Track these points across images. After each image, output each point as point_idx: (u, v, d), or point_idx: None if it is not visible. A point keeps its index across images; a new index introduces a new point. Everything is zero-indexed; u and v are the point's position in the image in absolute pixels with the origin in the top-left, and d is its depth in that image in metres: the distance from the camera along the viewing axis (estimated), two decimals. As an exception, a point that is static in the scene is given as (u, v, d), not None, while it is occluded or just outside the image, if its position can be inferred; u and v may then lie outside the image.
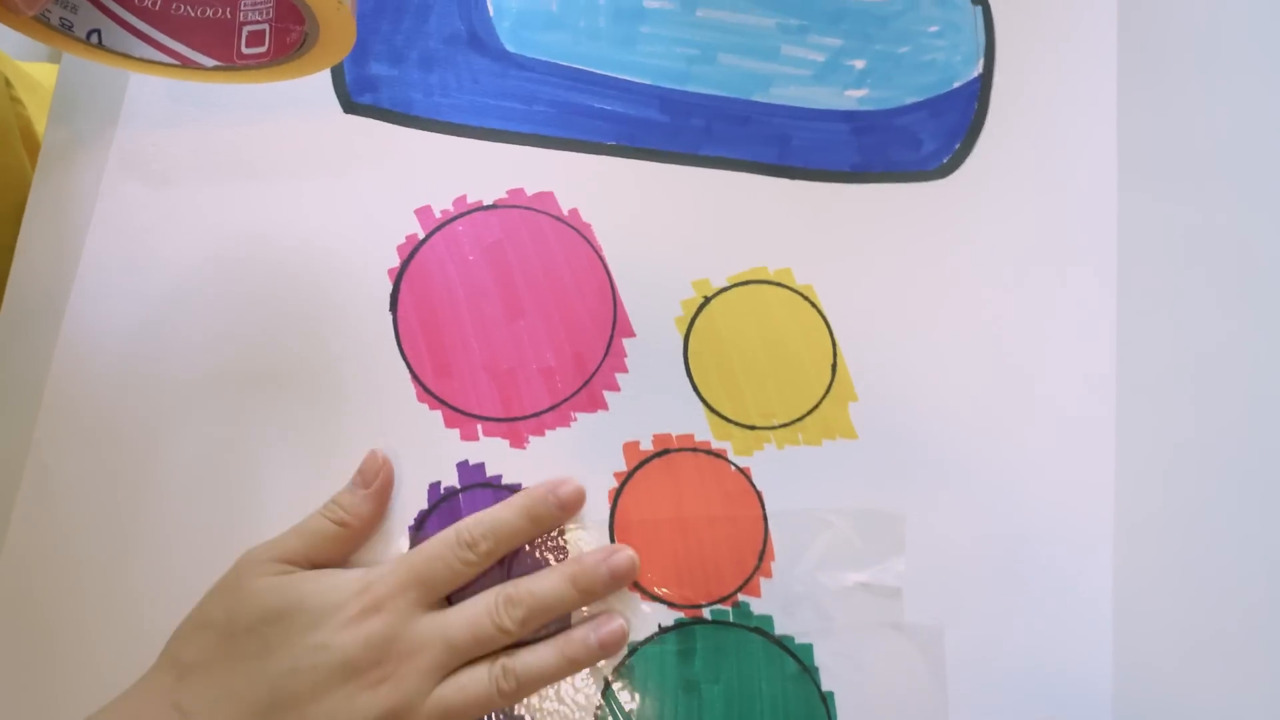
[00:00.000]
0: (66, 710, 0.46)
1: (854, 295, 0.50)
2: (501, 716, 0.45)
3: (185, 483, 0.48)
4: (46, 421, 0.49)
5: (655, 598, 0.47)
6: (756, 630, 0.46)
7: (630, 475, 0.48)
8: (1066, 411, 0.49)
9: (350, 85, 0.53)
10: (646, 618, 0.46)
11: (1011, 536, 0.48)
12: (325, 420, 0.49)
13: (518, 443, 0.48)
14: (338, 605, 0.43)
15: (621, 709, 0.46)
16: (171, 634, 0.45)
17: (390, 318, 0.50)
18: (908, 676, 0.46)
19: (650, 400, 0.49)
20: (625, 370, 0.49)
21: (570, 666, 0.45)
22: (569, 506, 0.47)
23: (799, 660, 0.46)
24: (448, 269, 0.50)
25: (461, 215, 0.51)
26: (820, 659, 0.46)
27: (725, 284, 0.50)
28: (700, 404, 0.49)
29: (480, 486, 0.48)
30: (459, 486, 0.48)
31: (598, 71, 0.53)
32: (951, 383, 0.49)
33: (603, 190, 0.52)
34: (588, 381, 0.49)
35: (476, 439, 0.48)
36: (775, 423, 0.48)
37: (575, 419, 0.49)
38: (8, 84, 0.61)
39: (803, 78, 0.53)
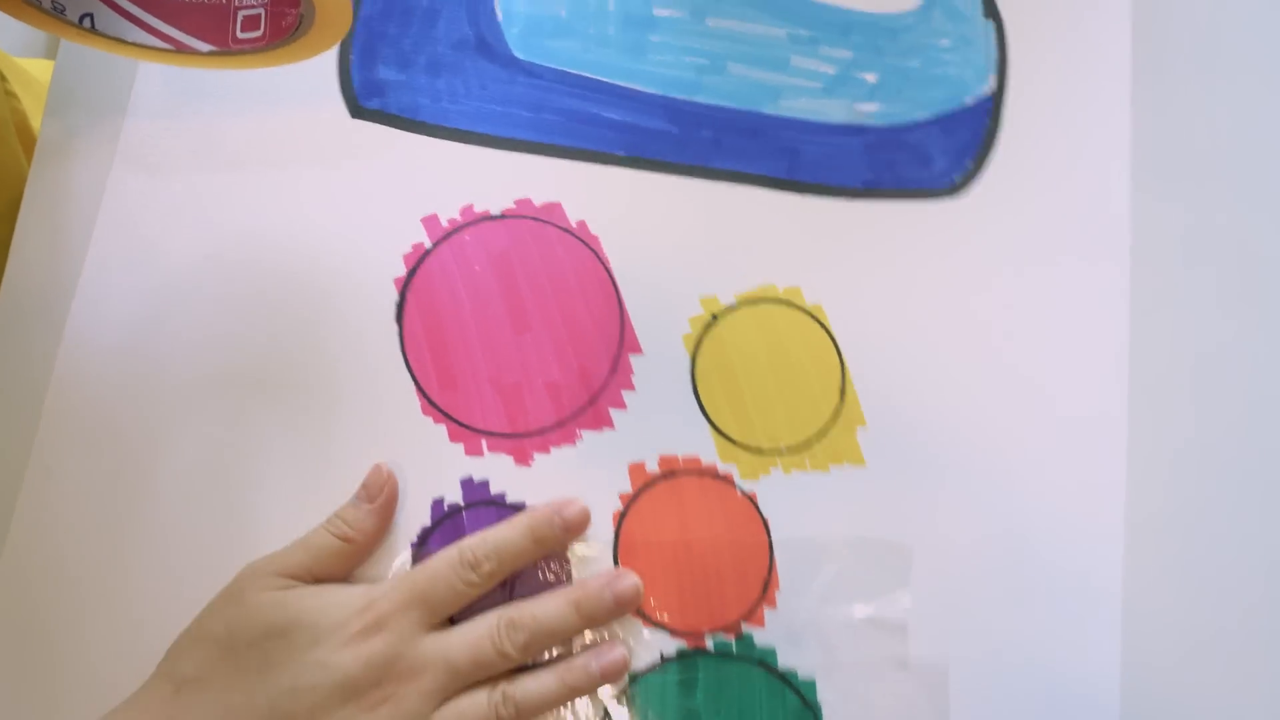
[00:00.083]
0: (65, 715, 0.46)
1: (863, 316, 0.50)
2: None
3: (187, 490, 0.48)
4: (46, 422, 0.49)
5: (657, 624, 0.46)
6: (760, 664, 0.46)
7: (635, 497, 0.47)
8: (1082, 443, 0.49)
9: (358, 89, 0.52)
10: (648, 645, 0.46)
11: (1020, 573, 0.47)
12: (328, 429, 0.49)
13: (522, 459, 0.48)
14: (339, 623, 0.43)
15: (622, 737, 0.46)
16: (170, 645, 0.45)
17: (396, 328, 0.49)
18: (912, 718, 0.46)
19: (656, 420, 0.49)
20: (632, 388, 0.49)
21: (571, 694, 0.45)
22: (574, 529, 0.47)
23: (802, 697, 0.46)
24: (454, 280, 0.50)
25: (469, 225, 0.51)
26: (824, 696, 0.46)
27: (734, 302, 0.50)
28: (707, 425, 0.48)
29: (484, 504, 0.47)
30: (462, 504, 0.48)
31: (606, 80, 0.52)
32: (961, 408, 0.49)
33: (611, 202, 0.51)
34: (594, 399, 0.49)
35: (481, 454, 0.48)
36: (782, 446, 0.48)
37: (581, 436, 0.48)
38: (2, 78, 0.60)
39: (813, 90, 0.52)
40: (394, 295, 0.50)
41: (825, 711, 0.46)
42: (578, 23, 0.53)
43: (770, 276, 0.50)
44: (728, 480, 0.48)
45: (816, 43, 0.53)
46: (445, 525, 0.47)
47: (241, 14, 0.47)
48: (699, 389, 0.49)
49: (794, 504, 0.48)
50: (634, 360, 0.49)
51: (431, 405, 0.49)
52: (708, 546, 0.47)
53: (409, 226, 0.51)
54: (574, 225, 0.51)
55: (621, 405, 0.49)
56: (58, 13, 0.46)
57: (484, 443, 0.48)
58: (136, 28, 0.47)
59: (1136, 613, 0.47)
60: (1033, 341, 0.50)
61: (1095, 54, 0.53)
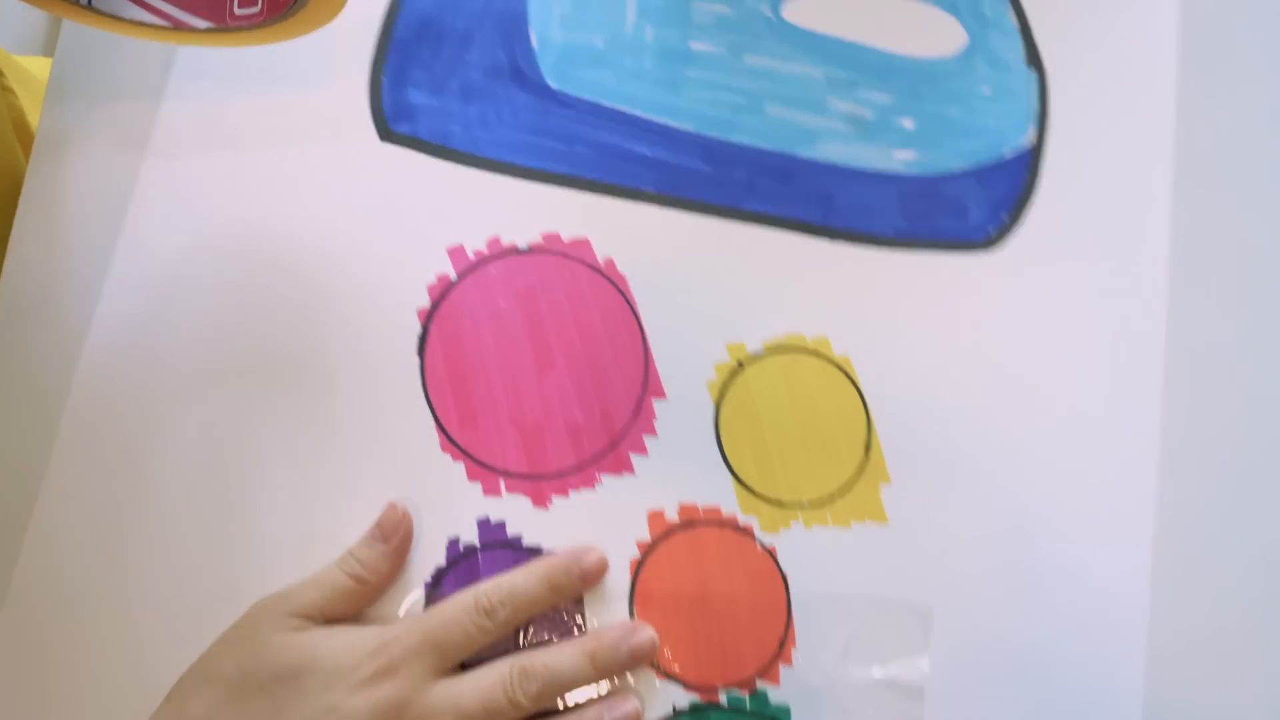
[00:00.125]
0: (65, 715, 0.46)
1: (891, 370, 0.49)
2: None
3: (189, 493, 0.48)
4: (45, 419, 0.48)
5: (671, 675, 0.46)
6: (773, 724, 0.46)
7: (653, 547, 0.47)
8: (1117, 508, 0.48)
9: (388, 112, 0.52)
10: (661, 696, 0.46)
11: (1044, 645, 0.47)
12: (345, 459, 0.48)
13: (540, 501, 0.48)
14: (350, 667, 0.43)
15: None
16: (177, 680, 0.45)
17: (418, 361, 0.49)
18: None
19: (678, 467, 0.48)
20: (654, 433, 0.48)
21: None
22: (591, 578, 0.46)
23: (816, 764, 0.45)
24: (479, 314, 0.49)
25: (495, 258, 0.50)
26: (837, 763, 0.45)
27: (761, 349, 0.49)
28: (729, 475, 0.48)
29: (500, 546, 0.47)
30: (478, 545, 0.47)
31: (641, 115, 0.52)
32: (989, 470, 0.48)
33: (640, 240, 0.50)
34: (615, 443, 0.48)
35: (499, 494, 0.48)
36: (804, 500, 0.48)
37: (600, 480, 0.48)
38: (-1, 74, 0.60)
39: (849, 134, 0.52)
40: (417, 327, 0.49)
41: (838, 780, 0.45)
42: (613, 53, 0.52)
43: (799, 325, 0.49)
44: (748, 533, 0.47)
45: (855, 85, 0.52)
46: (460, 566, 0.47)
47: None
48: (722, 437, 0.48)
49: (814, 560, 0.47)
50: (657, 405, 0.49)
51: (450, 442, 0.48)
52: (725, 600, 0.46)
53: (434, 256, 0.50)
54: (602, 262, 0.50)
55: (643, 450, 0.48)
56: None
57: (502, 483, 0.48)
58: (133, 4, 0.46)
59: (1161, 657, 0.46)
60: (1066, 406, 0.49)
61: (1139, 109, 0.52)
